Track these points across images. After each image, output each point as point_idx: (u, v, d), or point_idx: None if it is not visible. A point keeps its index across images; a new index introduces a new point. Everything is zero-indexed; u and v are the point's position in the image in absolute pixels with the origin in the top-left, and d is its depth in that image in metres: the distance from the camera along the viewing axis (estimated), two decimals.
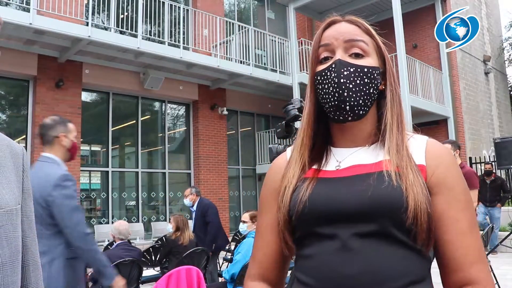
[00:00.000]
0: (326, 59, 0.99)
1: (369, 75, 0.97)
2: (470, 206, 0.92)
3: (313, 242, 0.93)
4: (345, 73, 0.95)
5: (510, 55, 19.70)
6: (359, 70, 0.96)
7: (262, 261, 1.04)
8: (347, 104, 0.95)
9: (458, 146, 4.78)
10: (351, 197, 0.90)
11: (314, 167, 1.01)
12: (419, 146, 0.97)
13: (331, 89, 0.96)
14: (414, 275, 0.87)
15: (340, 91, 0.95)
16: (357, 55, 0.98)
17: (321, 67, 0.99)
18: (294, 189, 0.97)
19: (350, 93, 0.95)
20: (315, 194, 0.94)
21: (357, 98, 0.95)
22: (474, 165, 11.48)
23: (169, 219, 10.33)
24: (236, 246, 6.03)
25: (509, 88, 18.65)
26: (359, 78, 0.96)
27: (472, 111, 13.07)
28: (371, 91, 0.97)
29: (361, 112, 0.97)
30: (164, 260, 5.59)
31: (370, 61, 0.98)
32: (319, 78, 0.99)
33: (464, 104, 12.63)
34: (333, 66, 0.96)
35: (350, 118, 0.96)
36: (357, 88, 0.95)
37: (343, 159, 0.99)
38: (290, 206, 0.96)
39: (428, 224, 0.87)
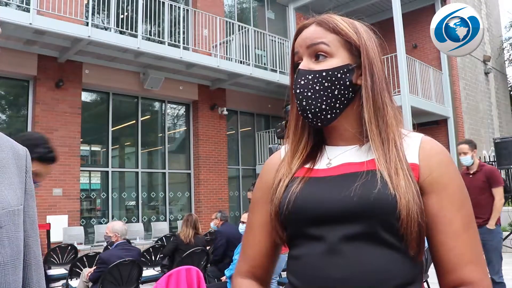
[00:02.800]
0: (297, 65, 1.01)
1: (329, 77, 0.95)
2: (465, 205, 0.90)
3: (302, 243, 0.93)
4: (302, 82, 0.96)
5: (510, 55, 19.71)
6: (317, 75, 0.95)
7: (252, 259, 1.04)
8: (308, 112, 0.96)
9: (475, 146, 4.69)
10: (339, 198, 0.89)
11: (307, 165, 1.00)
12: (414, 144, 0.95)
13: (296, 99, 0.98)
14: (402, 277, 0.85)
15: (298, 101, 0.97)
16: (321, 57, 0.97)
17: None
18: (285, 188, 0.97)
19: (310, 101, 0.95)
20: (303, 195, 0.93)
21: (318, 104, 0.95)
22: None
23: (169, 219, 10.31)
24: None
25: (509, 88, 18.67)
26: (317, 84, 0.95)
27: (472, 111, 13.08)
28: (336, 93, 0.95)
29: (328, 116, 0.95)
30: (168, 256, 5.55)
31: (333, 62, 0.96)
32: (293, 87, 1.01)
33: (464, 104, 12.64)
34: (295, 76, 0.98)
35: (319, 124, 0.97)
36: (317, 94, 0.95)
37: (334, 157, 0.99)
38: (280, 204, 0.95)
39: (418, 234, 0.86)
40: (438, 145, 0.96)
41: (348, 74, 0.96)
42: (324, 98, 0.95)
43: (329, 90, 0.95)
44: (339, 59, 0.97)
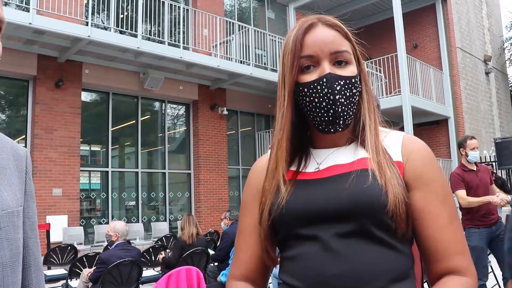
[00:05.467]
0: (308, 67, 0.96)
1: (355, 84, 0.97)
2: (449, 198, 0.93)
3: (295, 244, 0.94)
4: (338, 87, 0.94)
5: (511, 55, 19.70)
6: (347, 81, 0.95)
7: (245, 262, 1.05)
8: (341, 118, 0.94)
9: None
10: (330, 197, 0.91)
11: (294, 169, 1.01)
12: (396, 142, 0.98)
13: (324, 104, 0.94)
14: (396, 273, 0.87)
15: (336, 108, 0.93)
16: (340, 63, 0.96)
17: (306, 78, 0.95)
18: (273, 196, 0.97)
19: (343, 107, 0.94)
20: (294, 197, 0.94)
21: (348, 111, 0.96)
22: None
23: (169, 219, 10.28)
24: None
25: (510, 88, 18.66)
26: (348, 90, 0.95)
27: (472, 111, 13.07)
28: (357, 99, 0.99)
29: (349, 122, 0.97)
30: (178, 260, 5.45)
31: (353, 68, 0.98)
32: (306, 90, 0.95)
33: (465, 104, 12.63)
34: (325, 80, 0.93)
35: (340, 129, 0.96)
36: (348, 101, 0.95)
37: (322, 160, 1.00)
38: (270, 211, 0.96)
39: (406, 214, 0.89)
40: (420, 142, 0.99)
41: (360, 81, 1.00)
42: (352, 104, 0.97)
43: (354, 96, 0.97)
44: (354, 66, 0.99)
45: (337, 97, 0.93)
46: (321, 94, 0.94)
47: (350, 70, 0.96)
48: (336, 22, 1.00)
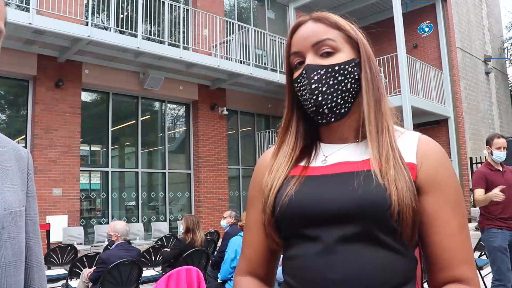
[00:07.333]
0: (301, 63, 0.99)
1: (341, 71, 0.95)
2: (461, 206, 0.91)
3: (298, 243, 0.92)
4: (316, 77, 0.94)
5: (511, 55, 19.69)
6: (329, 70, 0.95)
7: (251, 257, 1.04)
8: (325, 107, 0.94)
9: None
10: (334, 198, 0.89)
11: (302, 164, 1.00)
12: (411, 143, 0.96)
13: (307, 95, 0.96)
14: (398, 278, 0.86)
15: (315, 97, 0.94)
16: (329, 53, 0.96)
17: (295, 74, 1.00)
18: (279, 189, 0.97)
19: (325, 96, 0.94)
20: (298, 195, 0.93)
21: (334, 99, 0.94)
22: (475, 165, 11.49)
23: (169, 219, 10.28)
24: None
25: (510, 88, 18.65)
26: (331, 78, 0.95)
27: (472, 111, 13.07)
28: (349, 86, 0.96)
29: (342, 110, 0.96)
30: (171, 260, 5.47)
31: (341, 56, 0.96)
32: (296, 86, 0.99)
33: (465, 104, 12.62)
34: (304, 72, 0.96)
35: (333, 119, 0.96)
36: (332, 89, 0.94)
37: (330, 154, 0.99)
38: (274, 206, 0.95)
39: (412, 220, 0.86)
40: (435, 145, 0.96)
41: (355, 68, 0.98)
42: (339, 91, 0.95)
43: (342, 84, 0.96)
44: (345, 53, 0.97)
45: (313, 86, 0.94)
46: (303, 86, 0.96)
47: (336, 59, 0.96)
48: (323, 15, 1.00)
